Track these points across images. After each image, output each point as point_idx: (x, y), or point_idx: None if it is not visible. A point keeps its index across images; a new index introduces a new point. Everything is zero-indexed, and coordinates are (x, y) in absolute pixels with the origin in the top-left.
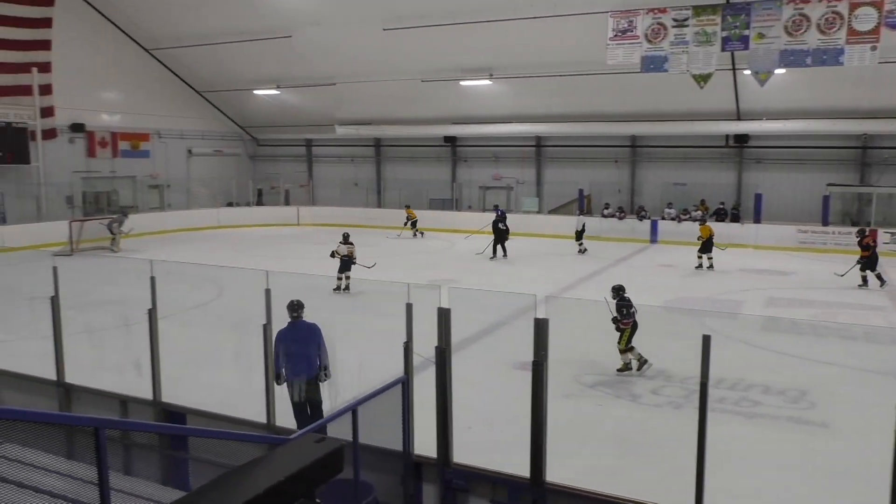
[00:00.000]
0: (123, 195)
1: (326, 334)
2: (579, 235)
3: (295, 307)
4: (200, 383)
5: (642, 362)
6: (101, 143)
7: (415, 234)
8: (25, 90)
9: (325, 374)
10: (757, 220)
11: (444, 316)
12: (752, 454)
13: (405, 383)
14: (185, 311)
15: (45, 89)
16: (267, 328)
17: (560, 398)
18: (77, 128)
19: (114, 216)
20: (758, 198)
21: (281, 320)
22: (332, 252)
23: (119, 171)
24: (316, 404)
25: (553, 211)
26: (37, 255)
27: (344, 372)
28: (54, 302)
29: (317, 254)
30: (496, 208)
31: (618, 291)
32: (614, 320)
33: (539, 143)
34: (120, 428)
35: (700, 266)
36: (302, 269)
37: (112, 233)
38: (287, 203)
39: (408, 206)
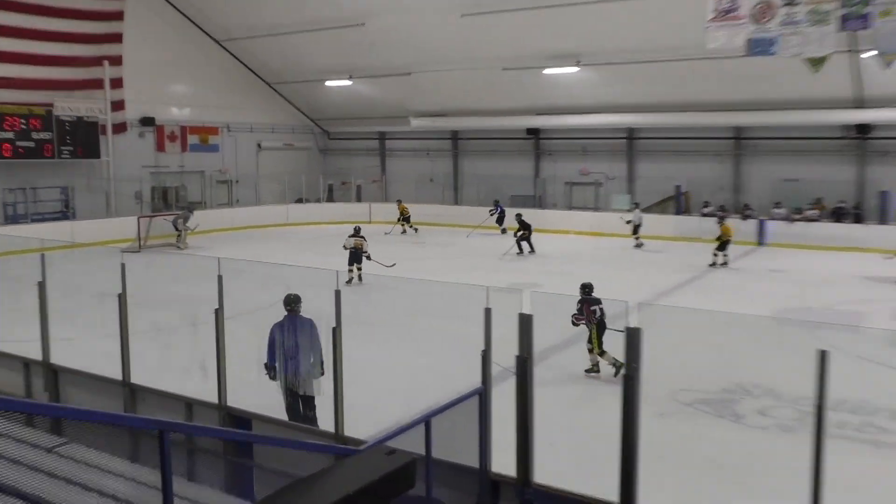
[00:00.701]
0: (192, 190)
1: (396, 337)
2: (636, 230)
3: (292, 301)
4: (267, 388)
5: (618, 366)
6: (170, 137)
7: (404, 231)
8: (97, 84)
9: (320, 370)
10: (883, 221)
11: (525, 322)
12: (879, 489)
13: (483, 394)
14: (252, 312)
15: (116, 83)
16: (337, 332)
17: (654, 416)
18: (147, 122)
19: (179, 212)
20: (883, 196)
21: (351, 323)
22: (345, 245)
23: (188, 165)
24: (309, 401)
25: (647, 209)
26: (105, 251)
27: (416, 379)
28: (121, 300)
29: (390, 252)
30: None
31: (584, 289)
32: (572, 319)
33: (631, 135)
34: (184, 432)
35: (714, 264)
36: (374, 269)
37: (177, 229)
38: (359, 199)
39: (399, 201)
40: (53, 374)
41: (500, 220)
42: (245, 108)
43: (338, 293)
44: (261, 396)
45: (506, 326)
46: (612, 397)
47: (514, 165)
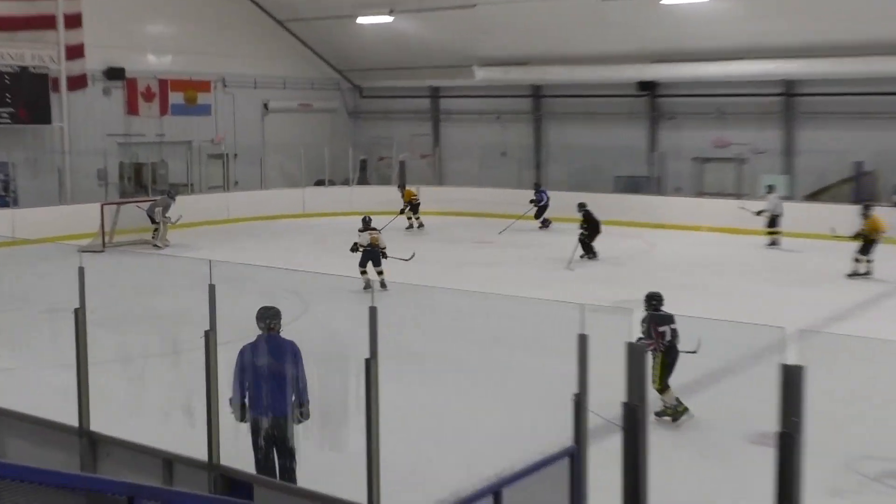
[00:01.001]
0: (174, 168)
1: (449, 373)
2: (773, 221)
3: (269, 315)
4: None
5: (679, 410)
6: (145, 94)
7: (411, 224)
8: (47, 22)
9: (302, 413)
10: None
11: (636, 356)
12: None
13: (575, 455)
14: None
15: (73, 21)
16: (372, 364)
17: (824, 494)
18: (114, 74)
19: (157, 198)
20: None
21: (391, 350)
22: (354, 245)
23: (169, 134)
24: (286, 451)
25: (812, 196)
26: (57, 249)
27: (479, 432)
28: (79, 316)
29: (446, 258)
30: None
31: (650, 301)
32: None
33: (789, 90)
34: (161, 500)
35: (855, 273)
36: (422, 278)
37: (154, 221)
38: (402, 182)
39: (402, 185)
40: None
41: (540, 212)
42: (246, 56)
43: (373, 310)
44: None
45: (608, 360)
46: (760, 464)
47: (619, 134)
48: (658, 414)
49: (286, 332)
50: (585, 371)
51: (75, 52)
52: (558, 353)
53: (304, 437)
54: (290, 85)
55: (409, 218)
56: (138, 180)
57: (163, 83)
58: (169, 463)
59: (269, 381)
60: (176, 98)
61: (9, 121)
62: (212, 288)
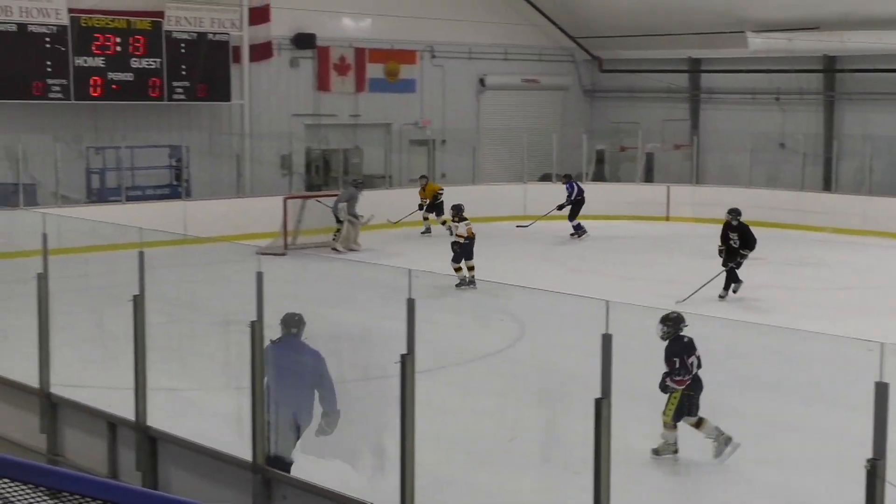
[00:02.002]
0: (370, 156)
1: None
2: None
3: (293, 323)
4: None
5: (723, 440)
6: (338, 66)
7: (428, 228)
8: None
9: (328, 423)
10: None
11: None
12: None
13: None
14: (462, 364)
15: None
16: (603, 406)
17: None
18: (303, 41)
19: (343, 191)
20: None
21: (625, 386)
22: (456, 240)
23: (365, 114)
24: (285, 465)
25: None
26: (233, 250)
27: (735, 496)
28: (255, 331)
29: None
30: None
31: (672, 323)
32: (665, 379)
33: None
34: None
35: None
36: (667, 301)
37: (338, 220)
38: (649, 178)
39: (424, 177)
40: (150, 442)
41: (575, 207)
42: (460, 20)
43: (607, 339)
44: None
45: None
46: None
47: None
48: (657, 452)
49: (497, 364)
50: (884, 429)
51: (260, 15)
52: (845, 403)
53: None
54: (513, 56)
55: (426, 218)
56: (328, 170)
57: (360, 53)
58: None
59: (291, 389)
60: (374, 71)
61: (184, 97)
62: (411, 303)
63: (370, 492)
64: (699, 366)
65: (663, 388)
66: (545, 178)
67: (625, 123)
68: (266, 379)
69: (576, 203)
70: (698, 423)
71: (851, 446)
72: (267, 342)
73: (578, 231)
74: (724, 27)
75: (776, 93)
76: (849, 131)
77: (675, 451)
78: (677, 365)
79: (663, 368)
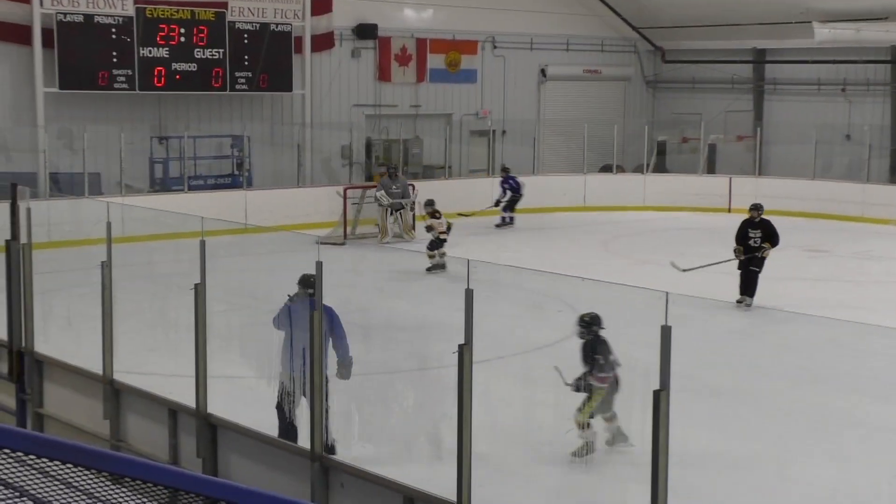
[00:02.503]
0: (430, 146)
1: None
2: None
3: (310, 284)
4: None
5: (621, 438)
6: (399, 56)
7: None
8: None
9: (345, 370)
10: None
11: None
12: None
13: None
14: (519, 355)
15: None
16: (662, 398)
17: None
18: (364, 32)
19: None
20: None
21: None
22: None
23: (426, 104)
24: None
25: None
26: (293, 240)
27: (787, 495)
28: (315, 321)
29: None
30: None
31: (588, 324)
32: (581, 378)
33: None
34: None
35: None
36: (727, 292)
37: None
38: (711, 170)
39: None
40: (211, 429)
41: (513, 202)
42: (522, 10)
43: (666, 331)
44: None
45: None
46: None
47: None
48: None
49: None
50: None
51: (322, 5)
52: None
53: None
54: (575, 46)
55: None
56: (387, 158)
57: (421, 43)
58: (411, 501)
59: (305, 340)
60: (436, 62)
61: (246, 87)
62: (469, 293)
63: (427, 481)
64: (618, 364)
65: (584, 387)
66: (606, 168)
67: (687, 114)
68: (283, 336)
69: (514, 199)
70: (610, 419)
71: None
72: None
73: (506, 223)
74: (790, 17)
75: (842, 84)
76: None
77: (592, 451)
78: (601, 362)
79: (722, 361)
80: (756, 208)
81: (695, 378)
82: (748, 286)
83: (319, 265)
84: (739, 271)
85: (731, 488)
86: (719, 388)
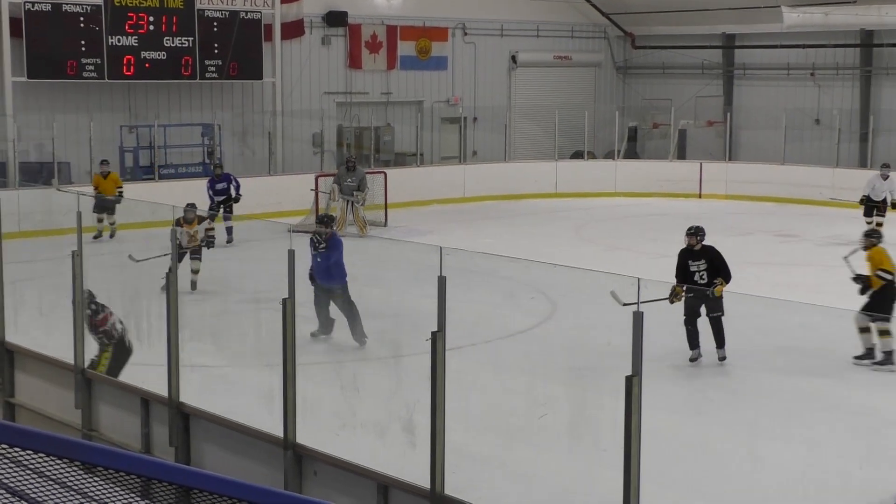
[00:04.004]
0: (401, 134)
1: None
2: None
3: (324, 222)
4: (513, 472)
5: None
6: (369, 44)
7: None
8: None
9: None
10: None
11: None
12: None
13: None
14: (492, 342)
15: None
16: (634, 384)
17: None
18: (334, 19)
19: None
20: None
21: (654, 367)
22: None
23: (396, 92)
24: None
25: None
26: (264, 228)
27: (768, 479)
28: (287, 308)
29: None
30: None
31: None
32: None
33: None
34: None
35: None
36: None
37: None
38: (681, 155)
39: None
40: (183, 418)
41: (224, 203)
42: None
43: (637, 317)
44: None
45: None
46: None
47: None
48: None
49: (530, 340)
50: None
51: None
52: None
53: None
54: (545, 32)
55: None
56: (359, 147)
57: (391, 31)
58: (384, 489)
59: (320, 263)
60: (406, 49)
61: (216, 75)
62: (442, 280)
63: (400, 468)
64: None
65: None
66: (577, 155)
67: (657, 100)
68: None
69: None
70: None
71: (882, 426)
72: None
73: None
74: (759, 2)
75: (811, 68)
76: (886, 107)
77: None
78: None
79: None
80: (694, 233)
81: (667, 362)
82: (716, 336)
83: (292, 253)
84: (686, 326)
85: (702, 471)
86: (691, 373)
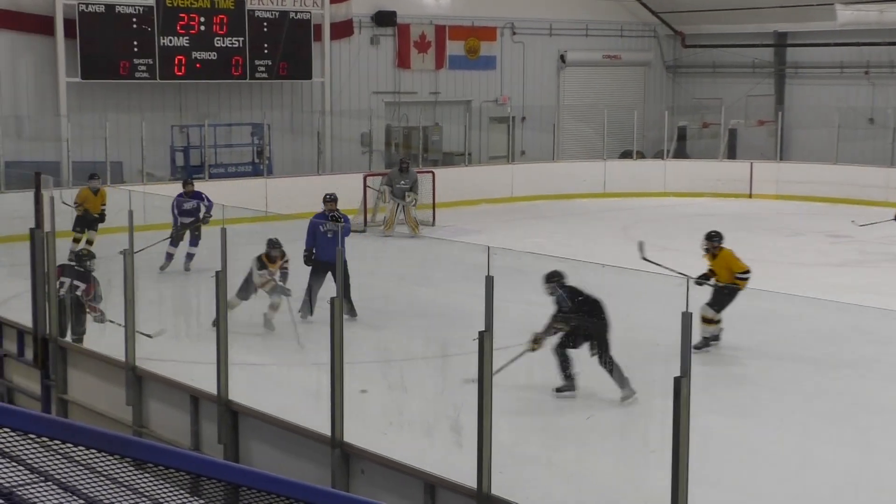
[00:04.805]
0: (449, 133)
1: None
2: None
3: (333, 199)
4: (560, 472)
5: None
6: (418, 43)
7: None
8: None
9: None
10: None
11: None
12: None
13: None
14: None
15: None
16: (682, 384)
17: None
18: (383, 19)
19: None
20: None
21: (707, 370)
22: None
23: (445, 91)
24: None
25: None
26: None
27: (820, 480)
28: (335, 308)
29: (784, 255)
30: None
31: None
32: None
33: None
34: None
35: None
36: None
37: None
38: (731, 155)
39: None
40: (232, 416)
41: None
42: None
43: (686, 318)
44: None
45: None
46: None
47: None
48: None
49: None
50: None
51: None
52: None
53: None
54: (594, 31)
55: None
56: (407, 146)
57: (440, 30)
58: (431, 488)
59: (331, 240)
60: (455, 48)
61: (266, 76)
62: (489, 280)
63: (447, 468)
64: None
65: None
66: (626, 154)
67: (707, 99)
68: (312, 238)
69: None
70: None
71: None
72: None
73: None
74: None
75: (865, 66)
76: None
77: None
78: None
79: (743, 347)
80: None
81: (716, 364)
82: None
83: (340, 252)
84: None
85: (752, 474)
86: (740, 374)
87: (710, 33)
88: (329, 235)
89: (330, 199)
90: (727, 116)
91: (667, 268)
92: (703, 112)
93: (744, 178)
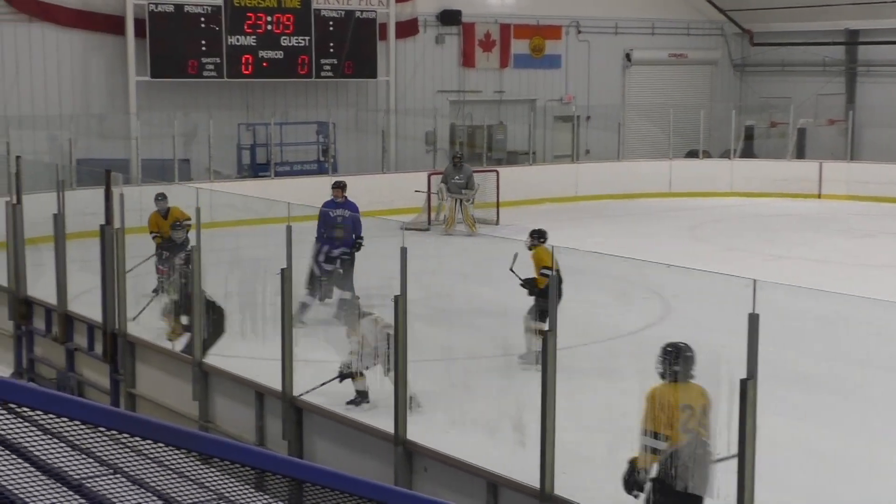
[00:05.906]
0: (514, 132)
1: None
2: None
3: (341, 186)
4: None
5: None
6: (483, 42)
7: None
8: None
9: (359, 245)
10: None
11: None
12: None
13: None
14: (604, 342)
15: None
16: (749, 387)
17: None
18: (448, 18)
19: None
20: None
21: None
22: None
23: (509, 90)
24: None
25: None
26: (379, 226)
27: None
28: (399, 306)
29: (854, 256)
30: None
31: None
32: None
33: None
34: None
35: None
36: (818, 279)
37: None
38: (800, 155)
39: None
40: (296, 412)
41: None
42: None
43: (754, 319)
44: None
45: None
46: None
47: None
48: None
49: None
50: None
51: None
52: None
53: None
54: (660, 30)
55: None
56: (472, 145)
57: (505, 29)
58: (494, 487)
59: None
60: (520, 47)
61: (331, 74)
62: (553, 279)
63: (510, 467)
64: None
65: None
66: (692, 154)
67: (776, 98)
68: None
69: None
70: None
71: None
72: None
73: None
74: None
75: None
76: None
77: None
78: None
79: (810, 349)
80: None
81: (782, 366)
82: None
83: (404, 251)
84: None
85: (819, 479)
86: (807, 377)
87: (779, 31)
88: (339, 220)
89: (337, 186)
90: (796, 115)
91: (525, 280)
92: (772, 111)
93: (812, 179)
